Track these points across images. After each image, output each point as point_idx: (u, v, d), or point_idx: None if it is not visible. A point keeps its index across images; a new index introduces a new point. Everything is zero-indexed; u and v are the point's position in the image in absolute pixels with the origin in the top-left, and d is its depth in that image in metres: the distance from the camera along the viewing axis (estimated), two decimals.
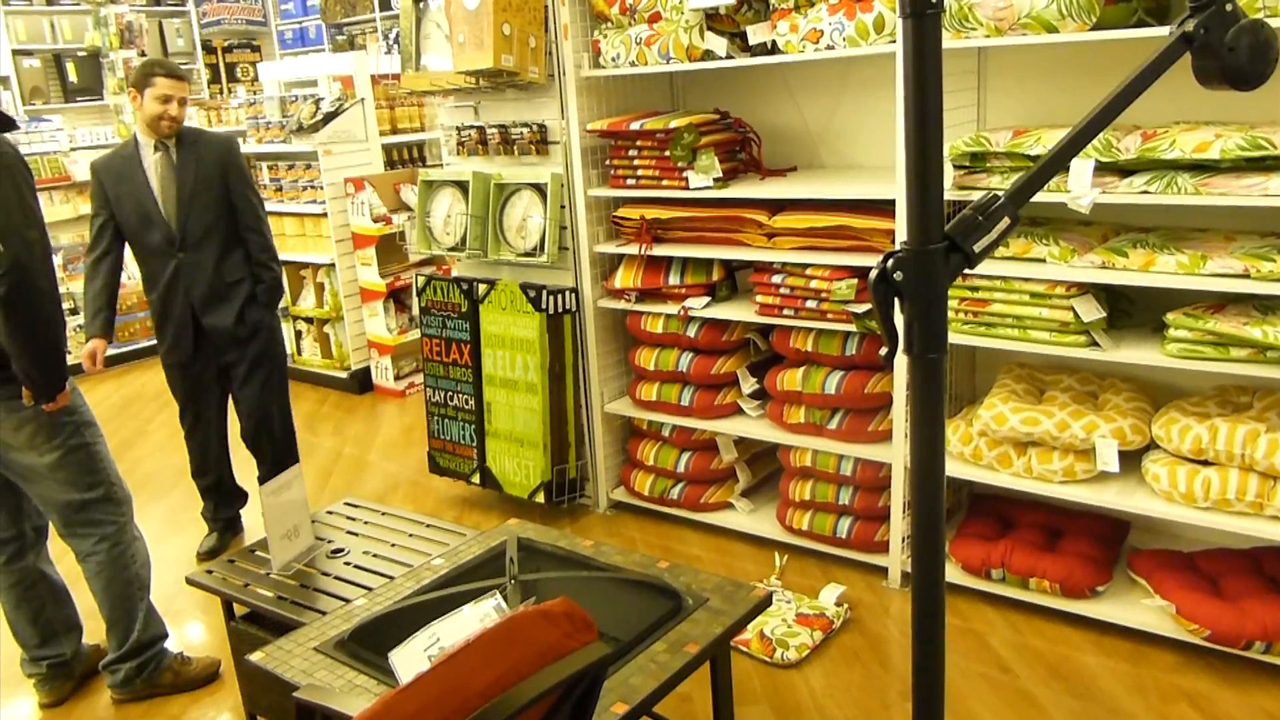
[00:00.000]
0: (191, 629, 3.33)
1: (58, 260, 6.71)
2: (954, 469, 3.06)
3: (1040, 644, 2.86)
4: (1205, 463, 2.67)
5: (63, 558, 2.91)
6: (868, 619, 3.06)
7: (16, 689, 3.00)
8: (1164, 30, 2.40)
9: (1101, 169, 2.60)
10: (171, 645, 2.99)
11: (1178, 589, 2.75)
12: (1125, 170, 2.61)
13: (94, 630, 3.03)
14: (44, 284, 2.47)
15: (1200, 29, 1.21)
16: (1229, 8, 1.21)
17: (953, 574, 3.11)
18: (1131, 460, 2.84)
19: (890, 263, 1.12)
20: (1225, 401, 2.82)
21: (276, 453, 3.85)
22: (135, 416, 5.67)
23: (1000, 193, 1.15)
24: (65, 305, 6.52)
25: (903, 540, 3.17)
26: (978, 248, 1.14)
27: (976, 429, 2.99)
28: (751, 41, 3.21)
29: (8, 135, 2.52)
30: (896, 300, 1.14)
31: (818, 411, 3.30)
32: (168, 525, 4.17)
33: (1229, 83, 1.25)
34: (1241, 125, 2.53)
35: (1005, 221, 1.15)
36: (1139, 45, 2.52)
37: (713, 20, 3.28)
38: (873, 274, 1.12)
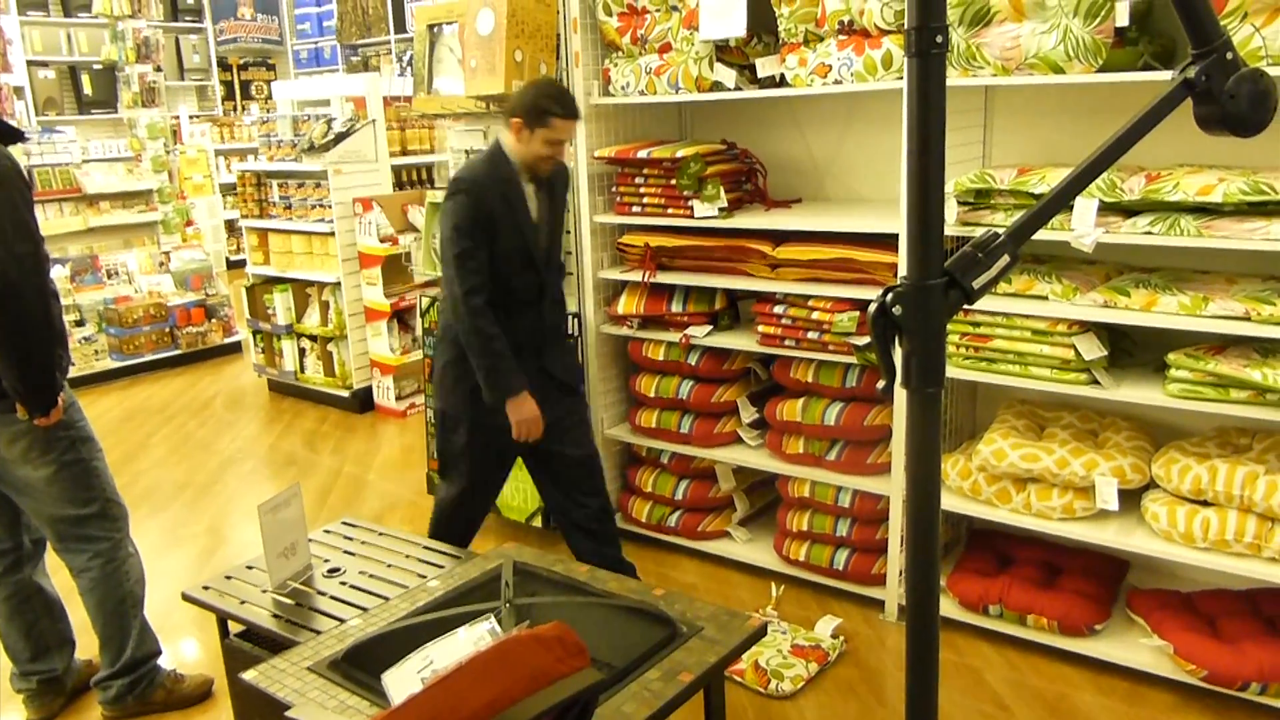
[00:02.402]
0: (185, 646, 3.32)
1: (65, 272, 6.74)
2: (953, 504, 3.05)
3: (1037, 682, 2.85)
4: (1205, 503, 2.67)
5: (57, 571, 2.90)
6: (863, 652, 3.04)
7: (5, 705, 2.98)
8: (1169, 75, 2.42)
9: (1105, 209, 2.62)
10: (165, 662, 2.98)
11: (1176, 629, 2.74)
12: (1129, 211, 2.63)
13: (86, 646, 3.02)
14: (32, 299, 2.43)
15: (1201, 76, 1.23)
16: (1230, 56, 1.22)
17: (950, 609, 3.10)
18: (1131, 499, 2.84)
19: (890, 297, 1.13)
20: (1225, 443, 2.82)
21: None
22: (138, 430, 5.68)
23: (1001, 230, 1.16)
24: (71, 318, 6.55)
25: (900, 573, 3.16)
26: (977, 284, 1.15)
27: (976, 464, 2.99)
28: (760, 74, 3.24)
29: (11, 148, 2.50)
30: (895, 334, 1.15)
31: (817, 442, 3.30)
32: (166, 540, 4.16)
33: (1229, 129, 1.27)
34: (1244, 170, 2.55)
35: (1005, 259, 1.16)
36: (1144, 88, 2.54)
37: (722, 52, 3.31)
38: (872, 307, 1.13)
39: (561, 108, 2.87)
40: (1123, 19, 2.48)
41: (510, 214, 2.92)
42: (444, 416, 3.14)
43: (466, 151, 3.97)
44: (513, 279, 2.96)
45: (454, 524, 3.21)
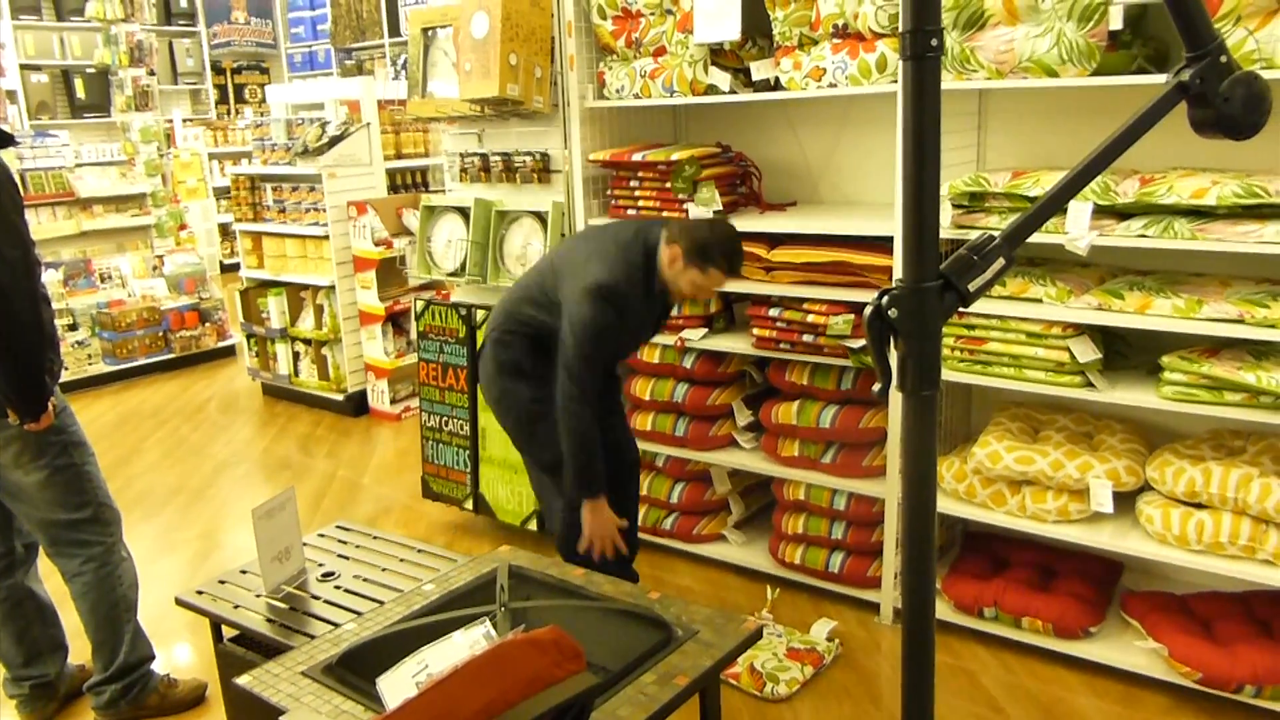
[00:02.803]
0: (179, 650, 3.30)
1: (57, 276, 6.72)
2: (948, 506, 3.05)
3: (1032, 684, 2.85)
4: (1199, 506, 2.67)
5: (50, 576, 2.89)
6: (859, 655, 3.04)
7: None
8: (1163, 78, 2.43)
9: (1099, 212, 2.63)
10: (158, 667, 2.96)
11: (1170, 631, 2.74)
12: (1123, 214, 2.63)
13: (79, 651, 3.01)
14: (21, 304, 2.42)
15: (1196, 79, 1.23)
16: (1224, 59, 1.23)
17: (945, 612, 3.10)
18: (1126, 502, 2.84)
19: (885, 299, 1.13)
20: (1219, 445, 2.82)
21: None
22: (131, 434, 5.66)
23: (996, 233, 1.16)
24: (63, 322, 6.53)
25: (895, 576, 3.16)
26: (972, 287, 1.15)
27: (971, 466, 2.99)
28: (755, 77, 3.24)
29: (2, 152, 2.49)
30: (891, 337, 1.15)
31: (812, 445, 3.30)
32: (159, 544, 4.15)
33: (1224, 132, 1.27)
34: (1238, 172, 2.55)
35: (1000, 262, 1.17)
36: (1138, 92, 2.55)
37: (717, 55, 3.31)
38: (868, 310, 1.13)
39: (728, 266, 2.82)
40: (1116, 22, 2.49)
41: (638, 323, 2.94)
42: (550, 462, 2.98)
43: (462, 155, 3.97)
44: (610, 363, 3.03)
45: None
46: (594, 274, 2.76)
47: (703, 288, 2.85)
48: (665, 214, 3.43)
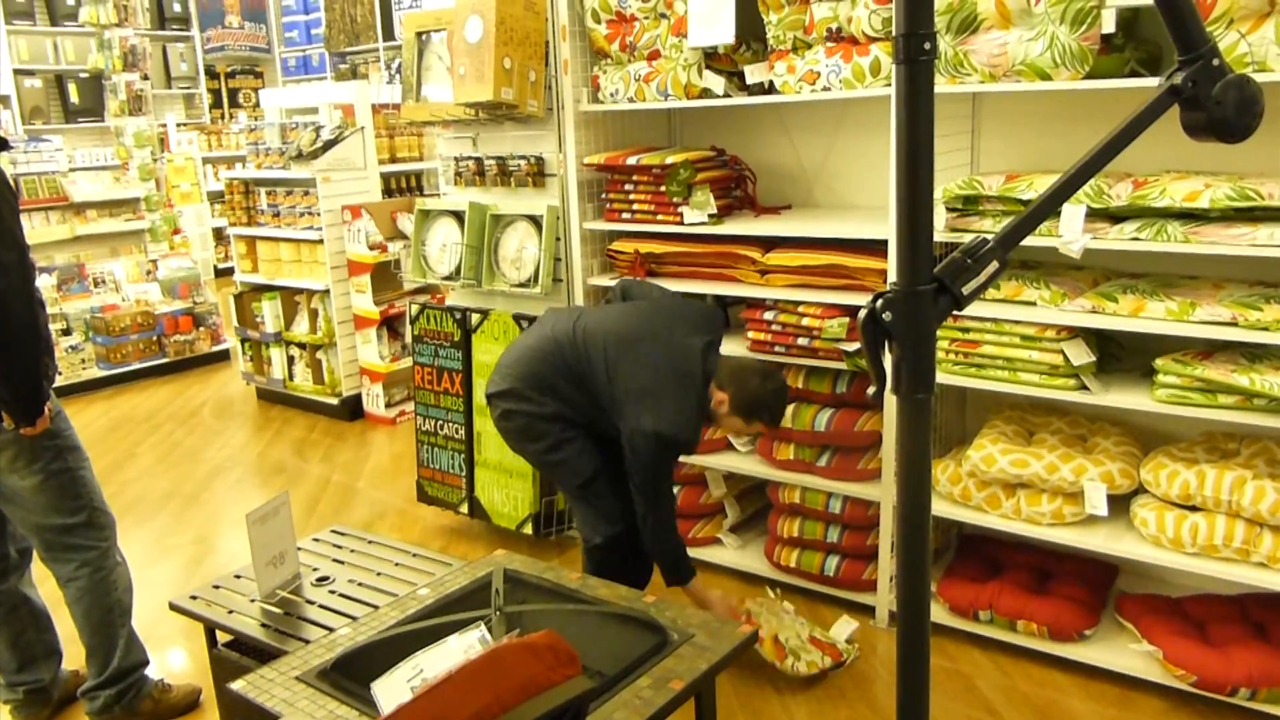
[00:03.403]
0: (173, 655, 3.29)
1: (51, 280, 6.70)
2: (943, 509, 3.06)
3: (1028, 687, 2.85)
4: (1193, 508, 2.68)
5: (44, 581, 2.88)
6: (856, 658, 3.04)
7: None
8: (1155, 81, 2.44)
9: (1093, 215, 2.63)
10: (152, 672, 2.95)
11: (1165, 634, 2.74)
12: (1116, 217, 2.64)
13: (73, 656, 3.00)
14: (18, 308, 2.42)
15: (1188, 83, 1.24)
16: (1216, 62, 1.23)
17: (941, 615, 3.10)
18: (1120, 504, 2.84)
19: (879, 303, 1.13)
20: (1213, 448, 2.83)
21: None
22: (124, 439, 5.65)
23: (989, 237, 1.17)
24: (57, 326, 6.52)
25: (890, 579, 3.16)
26: (966, 290, 1.15)
27: (966, 469, 2.99)
28: (749, 81, 3.25)
29: None
30: (885, 340, 1.15)
31: (807, 448, 3.30)
32: (153, 549, 4.14)
33: (1216, 135, 1.28)
34: (1231, 175, 2.56)
35: (994, 265, 1.17)
36: (1131, 95, 2.56)
37: (711, 59, 3.32)
38: (862, 314, 1.13)
39: (772, 421, 2.85)
40: (1109, 26, 2.50)
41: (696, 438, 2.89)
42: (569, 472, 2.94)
43: (456, 159, 3.97)
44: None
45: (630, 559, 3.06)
46: (663, 419, 2.69)
47: (741, 433, 2.91)
48: (660, 218, 3.43)
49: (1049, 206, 1.20)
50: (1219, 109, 1.25)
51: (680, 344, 2.81)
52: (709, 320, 2.95)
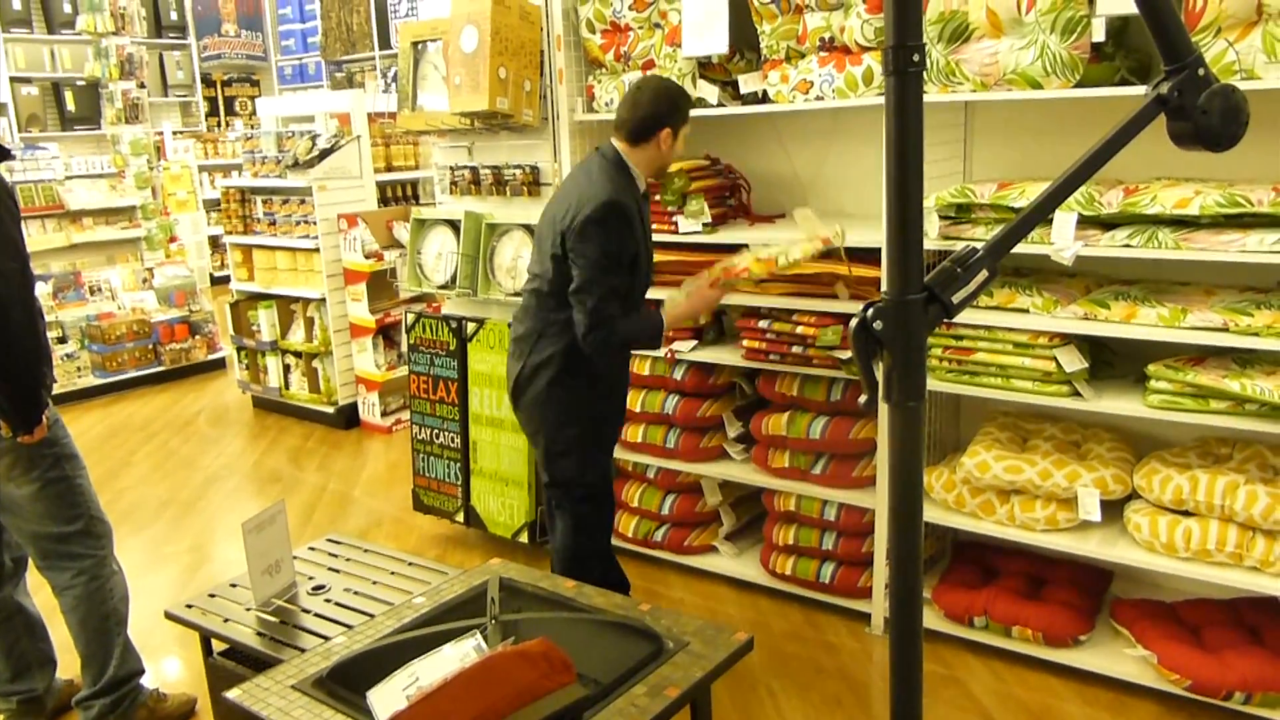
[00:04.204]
0: (168, 664, 3.29)
1: (47, 288, 6.70)
2: (937, 516, 3.07)
3: (1023, 693, 2.86)
4: (1186, 513, 2.69)
5: (39, 590, 2.88)
6: (850, 665, 3.05)
7: None
8: (1145, 89, 2.46)
9: (1084, 222, 2.65)
10: (147, 681, 2.95)
11: (1160, 639, 2.75)
12: (1108, 224, 2.66)
13: (68, 665, 3.00)
14: (19, 316, 2.44)
15: (1174, 92, 1.25)
16: (1201, 72, 1.24)
17: (936, 621, 3.11)
18: (1114, 510, 2.86)
19: (870, 312, 1.14)
20: (1206, 453, 2.84)
21: None
22: (120, 447, 5.65)
23: (979, 246, 1.18)
24: (53, 334, 6.52)
25: (885, 587, 3.17)
26: (956, 299, 1.16)
27: (960, 476, 3.00)
28: (743, 90, 3.26)
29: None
30: (876, 349, 1.16)
31: (802, 456, 3.31)
32: (149, 558, 4.14)
33: (1202, 144, 1.29)
34: (1221, 182, 2.58)
35: (983, 274, 1.18)
36: (1122, 103, 2.57)
37: (705, 69, 3.34)
38: (853, 323, 1.14)
39: (688, 107, 2.81)
40: (1099, 35, 2.52)
41: (645, 232, 2.86)
42: (566, 442, 2.90)
43: (452, 168, 3.98)
44: (635, 293, 2.86)
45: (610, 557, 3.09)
46: (591, 200, 2.64)
47: (680, 146, 2.82)
48: (655, 227, 3.44)
49: (1037, 216, 1.21)
50: (1205, 118, 1.26)
51: (565, 187, 2.87)
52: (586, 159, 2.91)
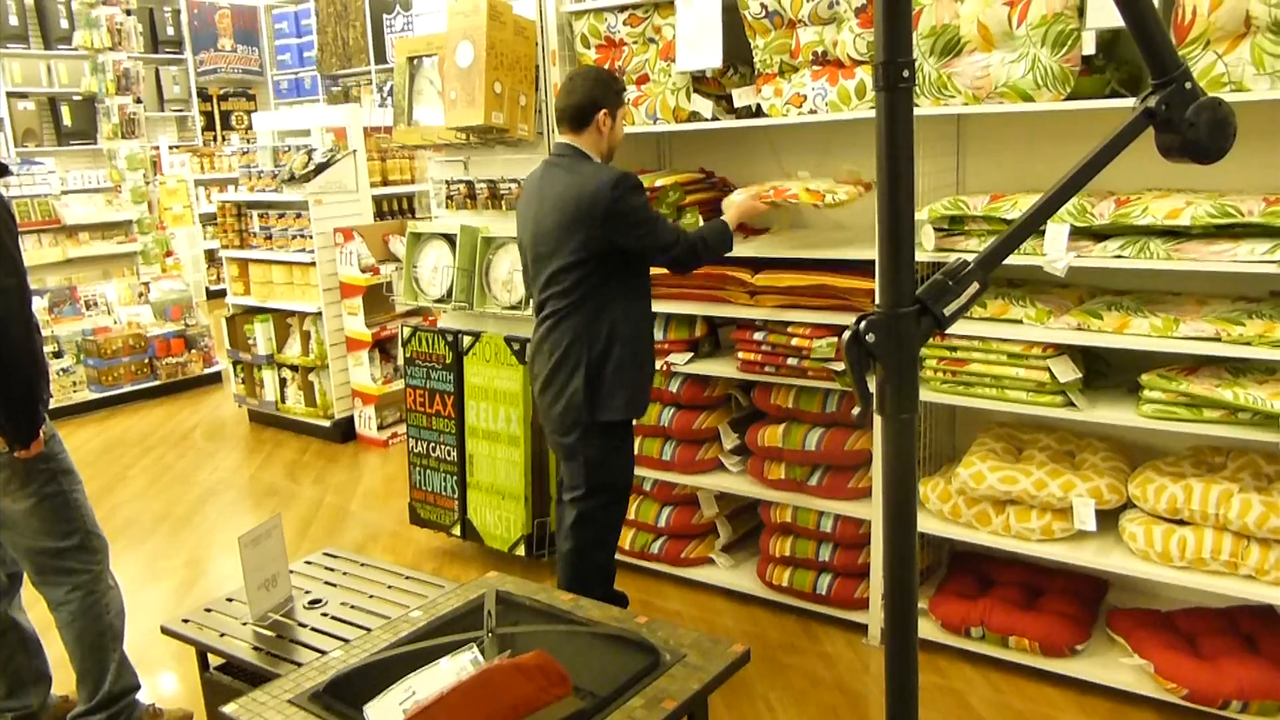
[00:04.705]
0: (164, 680, 3.28)
1: (43, 303, 6.70)
2: (933, 526, 3.07)
3: (1020, 703, 2.86)
4: (1181, 522, 2.70)
5: (34, 606, 2.87)
6: (847, 677, 3.05)
7: None
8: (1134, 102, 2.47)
9: (1076, 233, 2.66)
10: (144, 697, 2.94)
11: (1156, 648, 2.76)
12: (1100, 235, 2.67)
13: (63, 680, 2.99)
14: (17, 331, 2.44)
15: (1162, 105, 1.26)
16: (1189, 85, 1.26)
17: (933, 632, 3.11)
18: (1109, 519, 2.86)
19: (863, 324, 1.15)
20: (1200, 462, 2.85)
21: None
22: (116, 461, 5.64)
23: (970, 258, 1.19)
24: (48, 349, 6.51)
25: (882, 598, 3.17)
26: (948, 311, 1.17)
27: (955, 487, 3.01)
28: (737, 104, 3.28)
29: None
30: (869, 361, 1.17)
31: (798, 468, 3.32)
32: (145, 572, 4.13)
33: (1190, 157, 1.30)
34: (1211, 193, 2.60)
35: (975, 286, 1.19)
36: (1113, 115, 2.59)
37: (699, 83, 3.35)
38: (846, 335, 1.15)
39: (621, 81, 3.03)
40: (1089, 48, 2.54)
41: None
42: (605, 429, 2.94)
43: (448, 182, 3.99)
44: (645, 271, 3.01)
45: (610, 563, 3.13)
46: (601, 183, 2.77)
47: (623, 123, 3.02)
48: None
49: (1028, 228, 1.23)
50: (1193, 131, 1.27)
51: (539, 187, 2.96)
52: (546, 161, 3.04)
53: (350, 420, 5.82)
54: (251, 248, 5.98)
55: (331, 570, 2.98)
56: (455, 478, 4.02)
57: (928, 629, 3.11)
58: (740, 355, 3.34)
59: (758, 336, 3.27)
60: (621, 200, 2.76)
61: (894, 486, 1.19)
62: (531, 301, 3.05)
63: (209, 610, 2.77)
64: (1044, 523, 2.87)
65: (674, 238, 2.86)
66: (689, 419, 3.53)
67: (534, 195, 2.95)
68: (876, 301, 1.30)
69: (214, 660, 2.68)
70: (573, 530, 3.02)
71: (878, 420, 2.95)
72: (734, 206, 3.14)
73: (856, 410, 1.21)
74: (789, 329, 3.19)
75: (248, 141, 7.54)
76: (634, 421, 3.06)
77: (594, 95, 2.87)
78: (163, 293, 7.26)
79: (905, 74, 1.09)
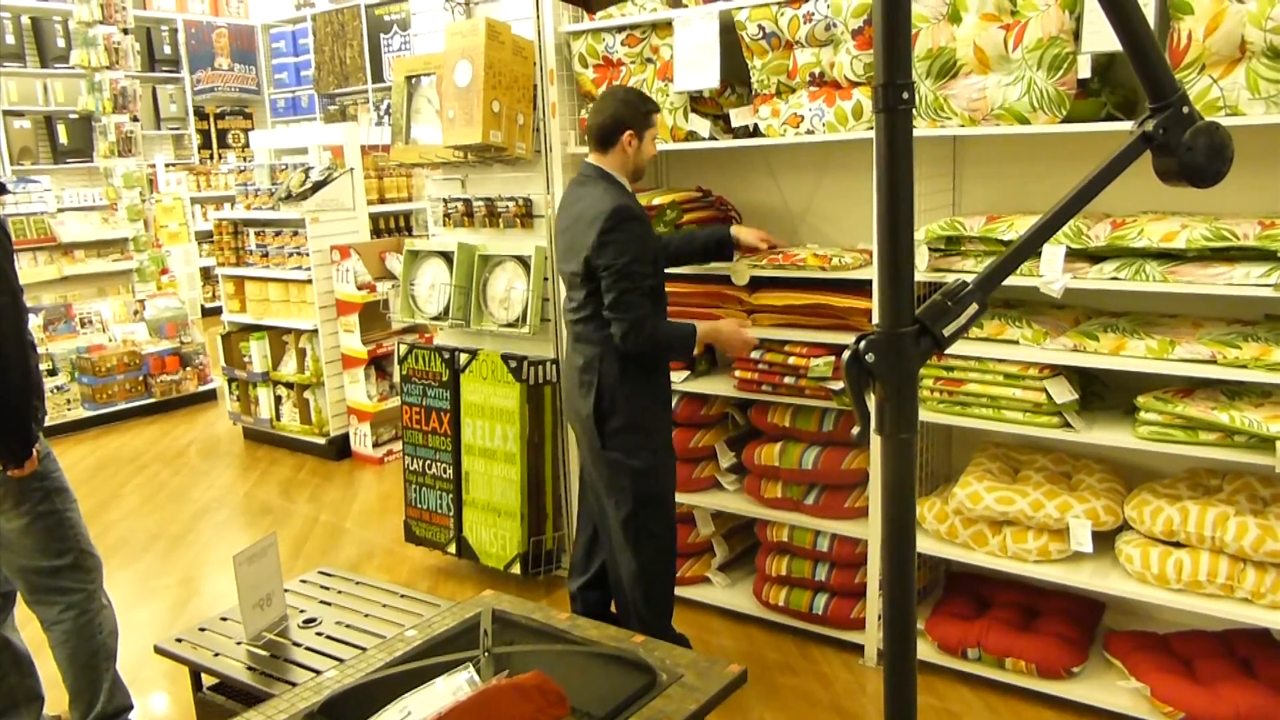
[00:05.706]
0: (157, 699, 3.26)
1: (37, 321, 6.69)
2: (929, 547, 3.07)
3: None
4: (1177, 544, 2.70)
5: (26, 625, 2.85)
6: (843, 697, 3.03)
7: None
8: (1131, 125, 2.49)
9: (1073, 255, 2.68)
10: (136, 717, 2.92)
11: (1153, 671, 2.75)
12: (1095, 257, 2.69)
13: (56, 700, 2.97)
14: (11, 349, 2.44)
15: (1159, 129, 1.27)
16: (1186, 110, 1.27)
17: (929, 653, 3.10)
18: (1105, 541, 2.86)
19: (863, 344, 1.15)
20: (1196, 484, 2.86)
21: None
22: (110, 480, 5.61)
23: (969, 279, 1.19)
24: (43, 367, 6.49)
25: (879, 618, 3.16)
26: (947, 331, 1.17)
27: (952, 507, 3.01)
28: (734, 124, 3.30)
29: None
30: (869, 381, 1.17)
31: (795, 487, 3.31)
32: (138, 591, 4.10)
33: (1187, 180, 1.31)
34: (1207, 216, 2.62)
35: (974, 307, 1.19)
36: (1108, 138, 2.61)
37: (697, 103, 3.37)
38: (846, 355, 1.15)
39: (652, 109, 2.98)
40: (1085, 71, 2.56)
41: (653, 233, 2.98)
42: (644, 462, 2.94)
43: (445, 200, 4.00)
44: (661, 292, 3.04)
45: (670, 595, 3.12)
46: (599, 214, 2.78)
47: (655, 136, 3.01)
48: None
49: (1027, 250, 1.23)
50: (1190, 155, 1.28)
51: (567, 207, 3.00)
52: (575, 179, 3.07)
53: (345, 438, 5.81)
54: (247, 265, 5.98)
55: (326, 589, 2.96)
56: (451, 495, 4.01)
57: (924, 650, 3.10)
58: (737, 374, 3.34)
59: (755, 355, 3.27)
60: (609, 233, 2.77)
61: (893, 505, 1.19)
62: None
63: (203, 629, 2.75)
64: (1041, 544, 2.86)
65: (639, 309, 2.78)
66: (685, 437, 3.52)
67: (561, 213, 3.05)
68: (875, 321, 1.31)
69: (208, 680, 2.66)
70: (630, 554, 2.99)
71: (875, 440, 2.96)
72: (717, 328, 3.02)
73: (856, 430, 1.21)
74: (786, 348, 3.20)
75: (244, 160, 7.56)
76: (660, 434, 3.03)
77: (620, 116, 2.89)
78: (158, 310, 7.25)
79: (905, 96, 1.10)
